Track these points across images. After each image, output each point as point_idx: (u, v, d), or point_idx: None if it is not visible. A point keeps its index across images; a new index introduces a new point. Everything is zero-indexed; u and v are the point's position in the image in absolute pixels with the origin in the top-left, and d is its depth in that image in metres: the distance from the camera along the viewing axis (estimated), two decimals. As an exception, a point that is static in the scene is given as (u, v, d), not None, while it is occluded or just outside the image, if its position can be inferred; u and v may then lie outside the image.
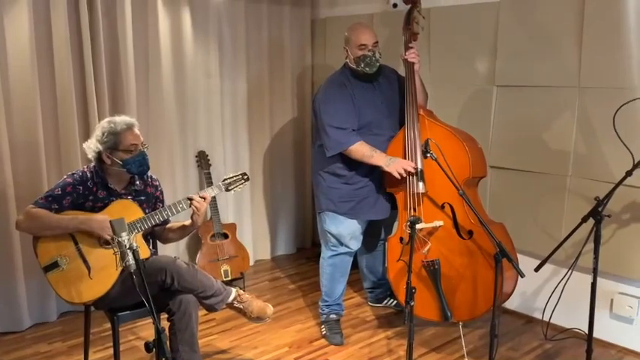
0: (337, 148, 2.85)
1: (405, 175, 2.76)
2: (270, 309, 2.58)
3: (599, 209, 2.26)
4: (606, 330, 2.97)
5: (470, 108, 3.41)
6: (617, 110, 2.28)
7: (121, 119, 2.42)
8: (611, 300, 2.96)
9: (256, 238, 4.26)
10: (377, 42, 2.89)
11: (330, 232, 3.01)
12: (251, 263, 4.15)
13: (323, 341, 3.05)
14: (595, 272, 2.33)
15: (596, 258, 2.31)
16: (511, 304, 3.33)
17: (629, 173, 2.24)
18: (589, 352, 2.35)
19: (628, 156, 2.34)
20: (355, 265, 3.26)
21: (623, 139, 2.30)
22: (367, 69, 2.88)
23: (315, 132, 3.05)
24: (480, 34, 3.29)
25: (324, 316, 3.13)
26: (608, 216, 2.35)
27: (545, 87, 3.05)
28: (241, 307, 2.53)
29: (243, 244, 3.80)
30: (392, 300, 3.38)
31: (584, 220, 2.35)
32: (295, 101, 4.31)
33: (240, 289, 2.61)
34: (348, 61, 2.94)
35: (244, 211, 4.12)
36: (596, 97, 2.85)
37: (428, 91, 3.09)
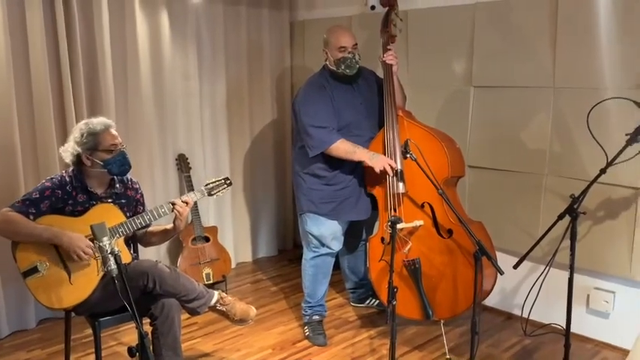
0: (320, 147, 2.86)
1: (387, 171, 2.79)
2: (253, 311, 2.58)
3: (575, 206, 2.32)
4: (583, 325, 3.04)
5: (448, 109, 3.45)
6: (591, 110, 2.34)
7: (98, 120, 2.40)
8: (588, 295, 3.03)
9: (238, 240, 4.25)
10: (356, 44, 2.92)
11: (311, 234, 3.02)
12: (233, 266, 4.14)
13: (306, 342, 3.06)
14: (572, 268, 2.38)
15: (572, 254, 2.37)
16: (491, 301, 3.39)
17: (602, 171, 2.30)
18: (567, 347, 2.40)
19: (602, 154, 2.39)
20: (337, 266, 3.29)
21: (596, 138, 2.36)
22: (347, 71, 2.90)
23: (295, 134, 3.06)
24: (456, 36, 3.34)
25: (307, 317, 3.14)
26: (584, 213, 2.41)
27: (521, 87, 3.11)
28: (224, 309, 2.53)
29: (224, 247, 3.79)
30: (374, 300, 3.41)
31: (561, 217, 2.40)
32: (275, 103, 4.31)
33: (223, 291, 2.60)
34: (327, 63, 2.97)
35: (225, 214, 4.11)
36: (570, 97, 2.92)
37: (406, 92, 3.13)
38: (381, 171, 2.78)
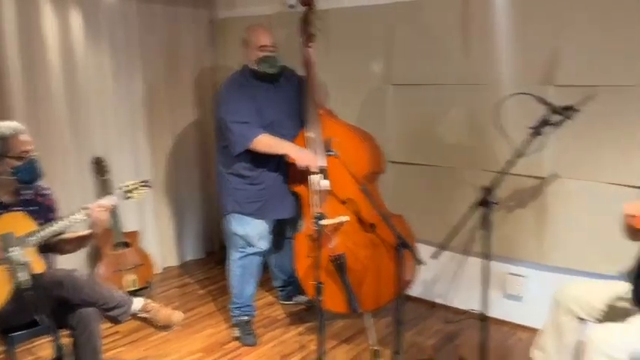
0: (243, 143, 2.83)
1: (311, 167, 2.81)
2: (177, 316, 2.52)
3: (487, 197, 2.44)
4: (500, 308, 3.20)
5: (368, 106, 3.53)
6: (497, 106, 2.47)
7: (7, 124, 2.27)
8: (503, 280, 3.20)
9: (163, 244, 4.15)
10: (276, 43, 2.93)
11: (237, 234, 3.00)
12: (159, 271, 4.04)
13: (236, 343, 3.04)
14: (487, 256, 2.50)
15: (487, 243, 2.49)
16: (415, 291, 3.50)
17: (510, 163, 2.43)
18: (484, 330, 2.52)
19: (512, 147, 2.51)
20: (265, 265, 3.28)
21: (506, 132, 2.49)
22: (269, 69, 2.90)
23: (218, 133, 3.03)
24: (376, 35, 3.42)
25: (236, 318, 3.11)
26: (496, 203, 2.53)
27: (436, 85, 3.24)
28: (147, 316, 2.46)
29: (147, 252, 3.68)
30: (302, 296, 3.43)
31: (475, 208, 2.51)
32: (197, 103, 4.24)
33: (148, 298, 2.53)
34: (248, 62, 2.95)
35: (147, 217, 4.00)
36: (481, 93, 3.06)
37: (328, 90, 3.17)
38: (303, 168, 2.80)
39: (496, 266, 3.15)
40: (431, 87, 3.26)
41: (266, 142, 2.82)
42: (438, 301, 3.41)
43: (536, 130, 2.33)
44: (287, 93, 3.02)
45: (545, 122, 2.33)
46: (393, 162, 3.44)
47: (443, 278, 3.37)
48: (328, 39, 3.58)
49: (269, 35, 2.93)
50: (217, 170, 3.07)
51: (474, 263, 2.95)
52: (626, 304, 2.21)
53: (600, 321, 2.16)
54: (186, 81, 4.13)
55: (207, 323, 3.28)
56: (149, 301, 2.49)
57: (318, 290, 2.46)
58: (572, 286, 2.39)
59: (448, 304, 3.38)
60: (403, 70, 3.35)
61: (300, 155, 2.81)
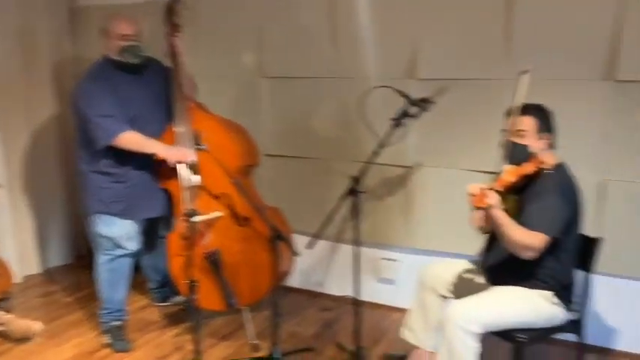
0: (108, 138, 2.67)
1: (182, 162, 2.72)
2: (37, 326, 2.35)
3: (355, 187, 2.52)
4: (374, 293, 3.35)
5: (241, 99, 3.50)
6: (361, 98, 2.56)
7: None
8: (377, 265, 3.34)
9: (22, 252, 3.80)
10: (139, 32, 2.79)
11: (103, 236, 2.83)
12: (18, 280, 3.70)
13: (107, 351, 2.87)
14: (357, 243, 2.59)
15: (357, 230, 2.58)
16: (294, 282, 3.54)
17: (375, 153, 2.54)
18: (357, 314, 2.61)
19: (380, 138, 2.62)
20: (137, 267, 3.14)
21: (372, 123, 2.59)
22: (133, 59, 2.76)
23: (78, 130, 2.82)
24: (245, 28, 3.39)
25: (106, 324, 2.94)
26: (364, 192, 2.63)
27: (307, 78, 3.29)
28: (1, 329, 2.24)
29: (3, 260, 3.35)
30: (178, 297, 3.33)
31: (344, 197, 2.59)
32: (56, 96, 3.93)
33: (7, 310, 2.31)
34: (110, 52, 2.78)
35: (2, 223, 3.64)
36: (350, 86, 3.15)
37: (198, 84, 3.08)
38: (174, 164, 2.71)
39: (369, 252, 3.29)
40: (302, 80, 3.30)
41: (132, 140, 2.69)
42: (317, 289, 3.48)
43: (397, 122, 2.44)
44: (152, 85, 2.89)
45: (405, 114, 2.45)
46: (267, 155, 3.44)
47: (320, 267, 3.45)
48: (197, 30, 3.49)
49: (131, 24, 2.79)
50: (79, 168, 2.87)
51: (348, 250, 3.05)
52: (481, 280, 2.41)
53: (459, 297, 2.32)
54: (44, 73, 3.81)
55: (75, 332, 3.07)
56: (2, 312, 2.27)
57: (192, 289, 2.40)
58: (433, 266, 2.55)
59: (326, 292, 3.46)
60: (274, 63, 3.36)
61: (169, 153, 2.71)
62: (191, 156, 2.76)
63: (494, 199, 1.97)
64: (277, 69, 3.36)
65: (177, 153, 2.72)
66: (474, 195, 1.94)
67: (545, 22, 2.68)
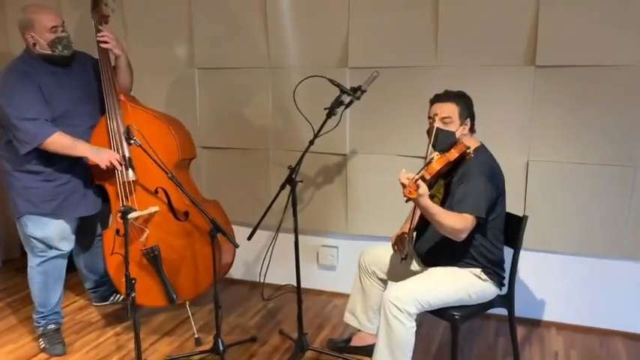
0: (33, 142, 2.56)
1: (115, 165, 2.66)
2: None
3: (293, 176, 2.54)
4: (315, 280, 3.40)
5: (175, 92, 3.44)
6: (295, 88, 2.57)
7: None
8: (317, 253, 3.39)
9: (-55, 257, 3.60)
10: (63, 22, 2.69)
11: (34, 237, 2.72)
12: (-57, 288, 3.51)
13: (43, 355, 2.78)
14: (296, 232, 2.62)
15: (295, 219, 2.60)
16: (237, 273, 3.55)
17: (311, 142, 2.56)
18: (299, 302, 2.65)
19: (316, 127, 2.64)
20: (73, 267, 3.05)
21: (308, 112, 2.60)
22: (65, 51, 2.65)
23: (0, 129, 2.69)
24: (175, 19, 3.33)
25: (41, 328, 2.84)
26: (301, 181, 2.66)
27: (241, 69, 3.27)
28: None
29: None
30: (118, 295, 3.26)
31: (282, 187, 2.61)
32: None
33: None
34: (36, 47, 2.64)
35: None
36: (284, 76, 3.16)
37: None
38: (107, 167, 2.64)
39: (309, 240, 3.34)
40: (235, 70, 3.28)
41: (60, 143, 2.58)
42: (260, 280, 3.49)
43: (331, 111, 2.48)
44: (81, 79, 2.79)
45: (338, 103, 2.48)
46: (204, 147, 3.41)
47: (263, 257, 3.45)
48: (125, 22, 3.39)
49: (57, 14, 2.68)
50: (3, 168, 2.74)
51: (289, 239, 3.07)
52: (415, 262, 2.49)
53: (397, 280, 2.40)
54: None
55: (8, 338, 2.95)
56: None
57: (130, 286, 2.36)
58: (371, 250, 2.62)
59: (270, 281, 3.47)
60: (207, 54, 3.32)
61: (98, 158, 2.63)
62: (124, 153, 2.69)
63: (423, 189, 2.02)
64: (210, 60, 3.32)
65: (106, 155, 2.64)
66: (404, 186, 1.99)
67: (470, 9, 2.78)
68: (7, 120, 2.57)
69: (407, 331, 2.16)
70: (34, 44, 2.63)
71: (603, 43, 2.61)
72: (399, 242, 2.45)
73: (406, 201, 2.07)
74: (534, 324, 3.01)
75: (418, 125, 2.53)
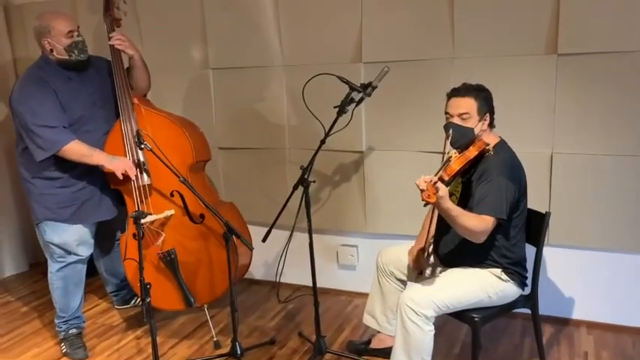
0: (51, 149, 2.57)
1: (129, 174, 2.65)
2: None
3: (305, 176, 2.49)
4: (336, 280, 3.35)
5: (191, 93, 3.42)
6: (305, 85, 2.51)
7: None
8: (337, 252, 3.33)
9: (-26, 262, 3.68)
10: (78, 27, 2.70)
11: (53, 243, 2.74)
12: (-28, 292, 3.59)
13: (65, 360, 2.82)
14: (310, 233, 2.57)
15: (309, 220, 2.56)
16: (257, 274, 3.53)
17: (322, 142, 2.50)
18: (316, 303, 2.61)
19: (328, 125, 2.57)
20: (95, 271, 3.07)
21: (322, 110, 2.53)
22: (82, 56, 2.67)
23: (17, 135, 2.71)
24: (188, 21, 3.30)
25: (63, 332, 2.87)
26: (314, 181, 2.61)
27: (255, 67, 3.22)
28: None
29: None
30: (139, 298, 3.27)
31: (295, 188, 2.57)
32: (-2, 101, 3.78)
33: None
34: (54, 53, 2.65)
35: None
36: (298, 73, 3.10)
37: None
38: (123, 175, 2.64)
39: (328, 239, 3.29)
40: (250, 69, 3.24)
41: (77, 151, 2.59)
42: (280, 280, 3.46)
43: (341, 109, 2.41)
44: (97, 83, 2.79)
45: (350, 100, 2.42)
46: (222, 148, 3.39)
47: (282, 258, 3.42)
48: (140, 24, 3.39)
49: (72, 19, 2.69)
50: (21, 176, 2.76)
51: (306, 239, 3.03)
52: (435, 262, 2.42)
53: (417, 280, 2.33)
54: (-19, 76, 3.65)
55: (33, 342, 2.99)
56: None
57: (145, 291, 2.35)
58: (389, 250, 2.56)
59: (290, 281, 3.44)
60: (221, 54, 3.29)
61: (114, 166, 2.63)
62: (138, 158, 2.69)
63: (443, 191, 1.91)
64: (224, 60, 3.29)
65: (121, 164, 2.64)
66: (422, 190, 1.89)
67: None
68: (25, 126, 2.59)
69: (424, 335, 2.10)
70: (52, 50, 2.65)
71: (628, 29, 2.48)
72: (415, 261, 2.38)
73: (425, 205, 1.97)
74: (563, 323, 2.90)
75: (436, 120, 2.43)
